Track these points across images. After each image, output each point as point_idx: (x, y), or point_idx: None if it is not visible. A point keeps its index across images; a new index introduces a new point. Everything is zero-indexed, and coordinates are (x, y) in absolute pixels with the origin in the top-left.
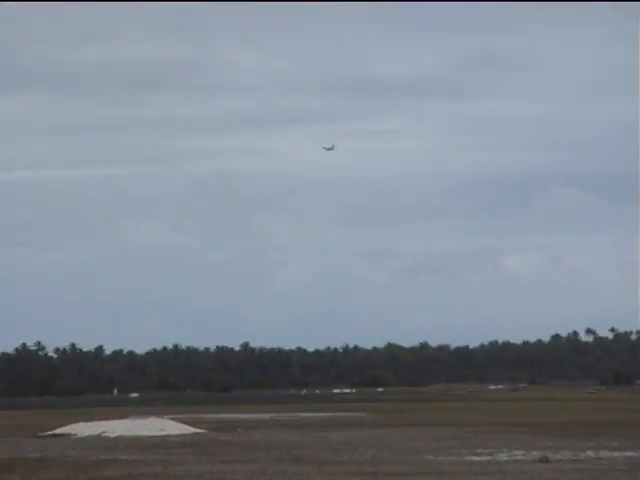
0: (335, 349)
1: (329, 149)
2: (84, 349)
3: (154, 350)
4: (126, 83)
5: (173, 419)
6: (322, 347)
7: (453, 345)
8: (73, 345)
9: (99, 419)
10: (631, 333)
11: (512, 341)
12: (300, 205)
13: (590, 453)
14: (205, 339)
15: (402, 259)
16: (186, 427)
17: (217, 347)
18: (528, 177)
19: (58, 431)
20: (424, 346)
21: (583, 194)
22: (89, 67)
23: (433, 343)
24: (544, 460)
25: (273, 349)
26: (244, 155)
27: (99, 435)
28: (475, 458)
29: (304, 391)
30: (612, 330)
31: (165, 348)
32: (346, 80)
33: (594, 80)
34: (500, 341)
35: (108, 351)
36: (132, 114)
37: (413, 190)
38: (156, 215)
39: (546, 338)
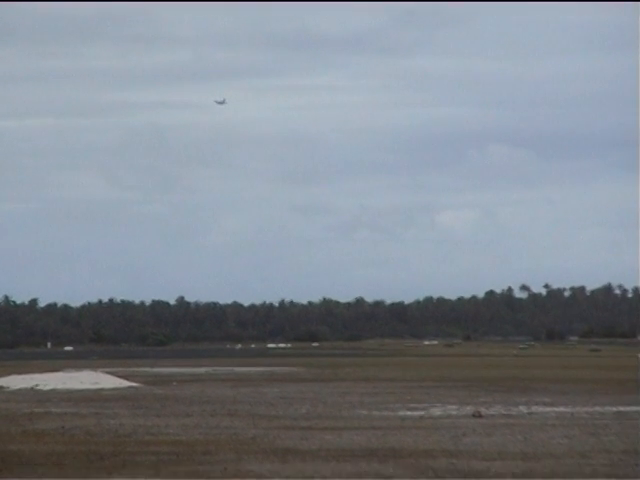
0: (271, 304)
1: (220, 103)
2: (18, 302)
3: (89, 303)
4: (60, 34)
5: (107, 372)
6: (258, 302)
7: (388, 301)
8: (7, 298)
9: (32, 372)
10: (564, 290)
11: (447, 297)
12: (235, 159)
13: (522, 408)
14: (140, 293)
15: (337, 214)
16: (120, 380)
17: (152, 301)
18: (463, 134)
19: None
20: (359, 301)
21: (517, 151)
22: (22, 17)
23: (369, 299)
24: (477, 415)
25: (209, 303)
26: (179, 109)
27: (32, 388)
28: (409, 413)
29: (239, 345)
30: (546, 286)
31: (100, 301)
32: (282, 35)
33: (527, 36)
34: (435, 297)
35: (42, 304)
36: (66, 66)
37: (348, 146)
38: (90, 168)
39: (480, 294)
